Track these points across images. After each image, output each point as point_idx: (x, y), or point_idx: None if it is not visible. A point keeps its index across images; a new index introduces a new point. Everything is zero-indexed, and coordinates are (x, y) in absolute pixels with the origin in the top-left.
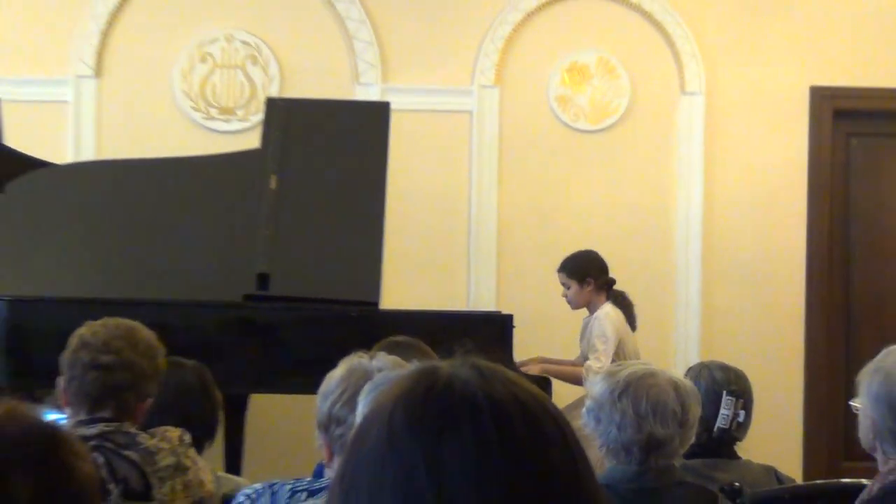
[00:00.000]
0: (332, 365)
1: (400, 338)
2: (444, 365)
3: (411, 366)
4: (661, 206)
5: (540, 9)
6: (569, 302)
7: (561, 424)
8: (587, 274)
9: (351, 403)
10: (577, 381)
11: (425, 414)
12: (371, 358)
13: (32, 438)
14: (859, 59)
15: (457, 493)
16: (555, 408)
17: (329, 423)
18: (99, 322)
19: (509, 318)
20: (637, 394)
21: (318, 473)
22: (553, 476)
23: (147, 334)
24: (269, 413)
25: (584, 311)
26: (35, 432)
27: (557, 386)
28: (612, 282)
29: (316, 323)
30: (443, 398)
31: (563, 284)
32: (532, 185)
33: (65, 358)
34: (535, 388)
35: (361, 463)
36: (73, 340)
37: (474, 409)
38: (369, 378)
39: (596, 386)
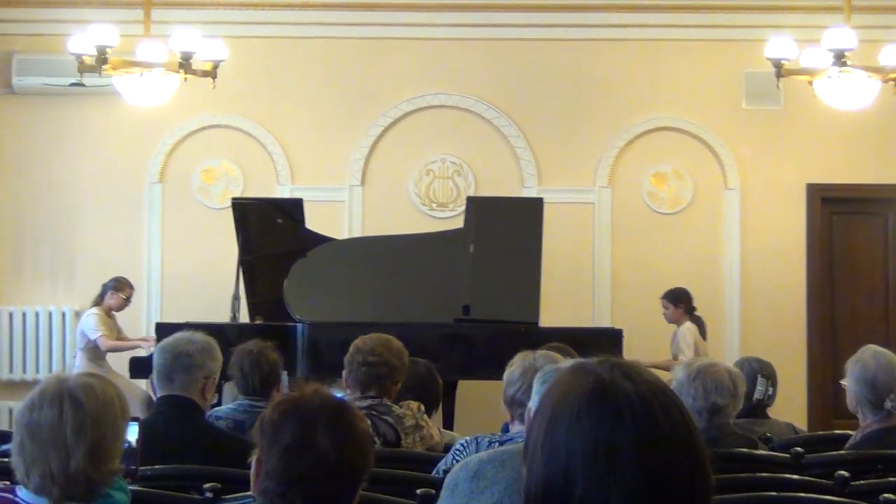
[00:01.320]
0: (508, 362)
1: (554, 343)
2: (605, 371)
3: (566, 360)
4: (714, 260)
5: (637, 137)
6: (666, 318)
7: (679, 405)
8: (680, 301)
9: (528, 392)
10: (666, 369)
11: (599, 406)
12: (535, 354)
13: (329, 406)
14: (837, 164)
15: (624, 458)
16: (674, 393)
17: (512, 403)
18: (367, 336)
19: (620, 331)
20: (705, 377)
21: (505, 429)
22: (678, 440)
23: (397, 343)
24: (470, 391)
25: (671, 326)
26: (331, 402)
27: None
28: (695, 308)
29: (499, 335)
30: (610, 398)
31: (664, 306)
32: (633, 246)
33: (346, 358)
34: (661, 381)
35: (558, 435)
36: (352, 347)
37: (630, 401)
38: (537, 371)
39: (678, 373)
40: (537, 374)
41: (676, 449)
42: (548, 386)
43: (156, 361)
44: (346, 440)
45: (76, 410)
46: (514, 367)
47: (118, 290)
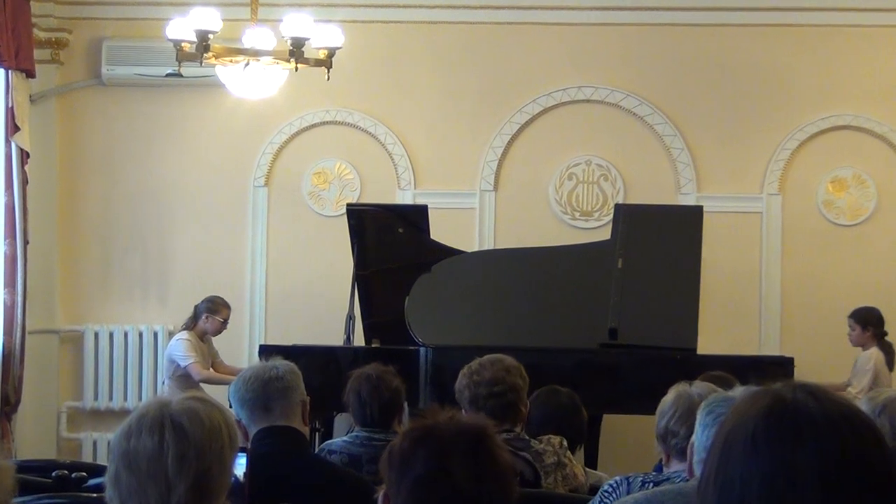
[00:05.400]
0: (660, 394)
1: (716, 372)
2: (785, 390)
3: (735, 388)
4: None
5: (812, 137)
6: (850, 340)
7: (875, 429)
8: (869, 323)
9: (682, 420)
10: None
11: (780, 430)
12: (690, 385)
13: (466, 435)
14: None
15: (806, 485)
16: (868, 416)
17: (666, 435)
18: (475, 365)
19: (791, 360)
20: (892, 411)
21: (658, 469)
22: (871, 467)
23: (509, 359)
24: (616, 426)
25: (853, 352)
26: (468, 430)
27: None
28: (885, 333)
29: (650, 363)
30: (791, 418)
31: (850, 327)
32: (806, 262)
33: (466, 396)
34: (852, 403)
35: (733, 464)
36: (466, 381)
37: (815, 425)
38: (692, 402)
39: (862, 406)
40: (702, 404)
41: (867, 476)
42: (724, 414)
43: (243, 396)
44: (485, 471)
45: (179, 439)
46: (668, 396)
47: (214, 313)
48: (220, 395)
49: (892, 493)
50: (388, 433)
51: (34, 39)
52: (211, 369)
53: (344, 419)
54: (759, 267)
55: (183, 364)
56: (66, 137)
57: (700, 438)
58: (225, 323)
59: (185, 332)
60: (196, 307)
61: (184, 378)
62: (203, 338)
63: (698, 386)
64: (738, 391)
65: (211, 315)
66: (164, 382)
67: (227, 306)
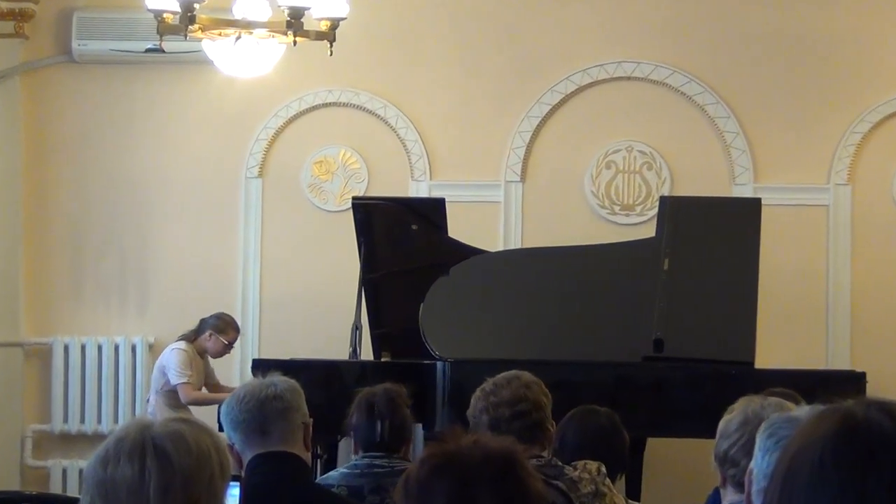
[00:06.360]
0: (712, 415)
1: (778, 389)
2: (857, 408)
3: (801, 407)
4: None
5: (886, 119)
6: None
7: None
8: None
9: (746, 448)
10: None
11: (849, 453)
12: (763, 402)
13: (493, 460)
14: None
15: None
16: None
17: (724, 462)
18: (490, 385)
19: (862, 375)
20: None
21: (714, 499)
22: None
23: (527, 374)
24: (662, 451)
25: None
26: (495, 455)
27: None
28: None
29: (701, 379)
30: (863, 440)
31: None
32: (880, 262)
33: (484, 420)
34: None
35: (797, 493)
36: (483, 404)
37: (888, 443)
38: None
39: None
40: (762, 425)
41: None
42: (787, 437)
43: (236, 418)
44: (513, 501)
45: (163, 466)
46: (734, 414)
47: (220, 332)
48: (208, 416)
49: None
50: (392, 459)
51: None
52: (204, 389)
53: (349, 445)
54: (825, 268)
55: (174, 381)
56: (32, 121)
57: (760, 465)
58: (229, 346)
59: (183, 342)
60: (202, 321)
61: (174, 393)
62: (202, 354)
63: (770, 403)
64: (804, 410)
65: (216, 334)
66: (148, 399)
67: (236, 329)
